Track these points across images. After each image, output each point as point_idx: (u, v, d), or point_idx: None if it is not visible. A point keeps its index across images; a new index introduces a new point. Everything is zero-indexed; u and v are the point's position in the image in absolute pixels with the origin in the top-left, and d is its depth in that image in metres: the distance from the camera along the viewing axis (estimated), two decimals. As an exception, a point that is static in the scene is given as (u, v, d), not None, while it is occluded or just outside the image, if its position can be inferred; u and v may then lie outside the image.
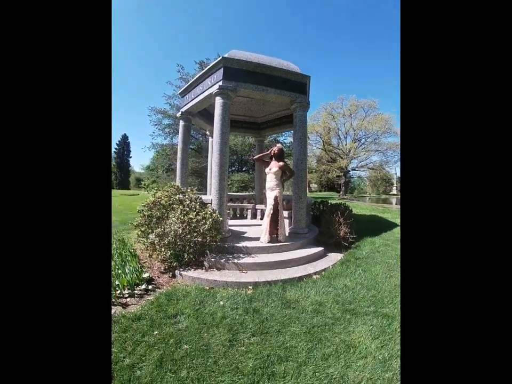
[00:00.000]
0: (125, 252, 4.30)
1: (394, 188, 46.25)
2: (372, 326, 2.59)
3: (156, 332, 2.43)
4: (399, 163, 31.74)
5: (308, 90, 5.56)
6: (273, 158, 5.06)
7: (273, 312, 2.81)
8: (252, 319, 2.67)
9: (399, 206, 15.71)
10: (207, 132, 8.18)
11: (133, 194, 27.56)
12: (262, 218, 5.83)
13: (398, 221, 8.40)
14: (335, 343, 2.33)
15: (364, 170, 34.79)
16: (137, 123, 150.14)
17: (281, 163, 4.93)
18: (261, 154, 5.43)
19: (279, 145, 5.17)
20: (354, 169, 33.97)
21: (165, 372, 1.96)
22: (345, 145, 31.26)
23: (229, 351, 2.20)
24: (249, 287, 3.43)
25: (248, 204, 8.00)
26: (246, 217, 7.79)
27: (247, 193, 9.72)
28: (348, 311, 2.87)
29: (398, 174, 46.26)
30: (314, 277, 3.90)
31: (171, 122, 20.30)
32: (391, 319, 2.73)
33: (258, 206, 7.59)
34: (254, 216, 7.67)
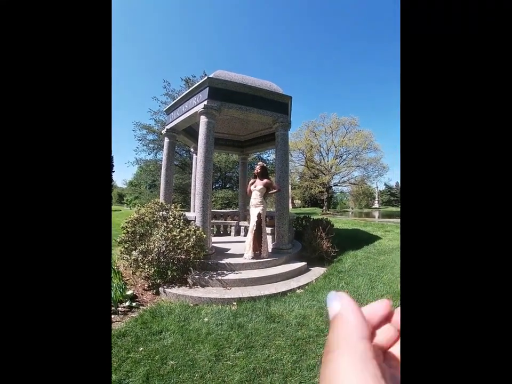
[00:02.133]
0: (108, 270, 4.24)
1: (376, 202, 47.21)
2: (354, 336, 2.66)
3: (141, 348, 2.42)
4: (380, 178, 32.69)
5: (289, 110, 5.77)
6: (257, 177, 5.19)
7: (258, 327, 2.84)
8: (237, 334, 2.70)
9: (381, 219, 16.06)
10: (191, 149, 8.26)
11: (115, 210, 26.98)
12: (245, 235, 5.85)
13: (379, 234, 8.63)
14: (319, 354, 2.37)
15: (346, 186, 35.56)
16: (121, 137, 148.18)
17: (265, 180, 5.06)
18: (248, 188, 5.26)
19: (260, 163, 5.29)
20: (337, 185, 34.59)
21: (151, 388, 1.96)
22: (327, 161, 31.85)
23: (215, 365, 2.22)
24: (234, 303, 3.46)
25: (232, 221, 8.05)
26: (229, 234, 7.82)
27: (230, 210, 9.77)
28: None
29: (380, 188, 47.36)
30: (298, 291, 3.96)
31: (155, 137, 20.24)
32: (372, 329, 2.81)
33: (242, 223, 7.65)
34: (237, 233, 7.71)
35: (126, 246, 4.23)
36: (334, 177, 31.96)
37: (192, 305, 3.39)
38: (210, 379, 2.06)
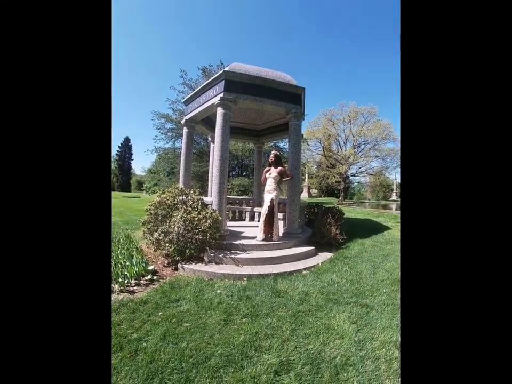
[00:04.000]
0: (131, 247, 4.70)
1: (394, 194, 46.00)
2: (351, 313, 2.92)
3: (160, 313, 2.79)
4: (398, 169, 31.91)
5: (302, 101, 5.96)
6: (272, 165, 5.48)
7: (264, 300, 3.17)
8: (244, 304, 3.04)
9: (398, 212, 15.81)
10: (209, 138, 8.55)
11: (134, 197, 27.84)
12: (259, 220, 6.16)
13: (389, 224, 8.73)
14: (316, 326, 2.66)
15: (363, 176, 34.98)
16: (141, 126, 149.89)
17: (279, 168, 5.36)
18: (263, 176, 5.58)
19: (273, 152, 5.56)
20: (354, 175, 34.16)
21: (167, 343, 2.30)
22: (345, 151, 31.36)
23: (223, 328, 2.56)
24: (244, 279, 3.81)
25: (247, 207, 8.39)
26: (244, 219, 8.17)
27: (246, 197, 10.07)
28: (330, 300, 3.22)
29: (398, 180, 46.17)
30: (304, 272, 4.26)
31: (173, 126, 20.49)
32: (369, 308, 3.06)
33: (256, 209, 7.92)
34: (252, 219, 8.04)
35: (148, 227, 4.65)
36: (351, 167, 31.40)
37: (207, 279, 3.77)
38: (218, 339, 2.39)
